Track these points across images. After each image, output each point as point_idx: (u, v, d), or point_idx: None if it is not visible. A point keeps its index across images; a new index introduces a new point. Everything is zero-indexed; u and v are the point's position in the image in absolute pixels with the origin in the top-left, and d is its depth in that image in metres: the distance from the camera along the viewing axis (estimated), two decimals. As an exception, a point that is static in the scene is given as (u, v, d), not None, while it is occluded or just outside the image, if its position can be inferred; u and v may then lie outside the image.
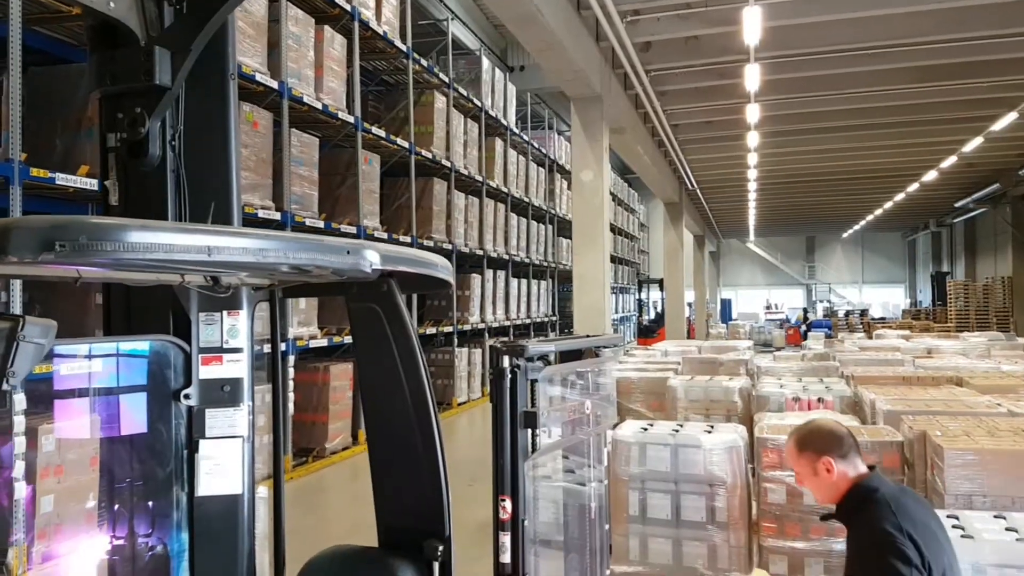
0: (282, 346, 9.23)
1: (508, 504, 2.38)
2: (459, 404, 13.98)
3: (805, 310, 36.49)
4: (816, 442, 2.46)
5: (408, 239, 12.51)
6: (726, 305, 41.50)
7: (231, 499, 2.08)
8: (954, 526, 4.17)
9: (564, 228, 20.71)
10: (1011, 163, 19.50)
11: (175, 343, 2.02)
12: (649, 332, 25.51)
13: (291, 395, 9.25)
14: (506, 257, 17.26)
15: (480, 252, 15.66)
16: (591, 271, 10.44)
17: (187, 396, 2.05)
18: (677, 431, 6.18)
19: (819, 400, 8.39)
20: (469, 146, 15.12)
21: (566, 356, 2.86)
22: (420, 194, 13.03)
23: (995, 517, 4.32)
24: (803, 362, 13.08)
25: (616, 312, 28.64)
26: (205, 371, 2.05)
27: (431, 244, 13.29)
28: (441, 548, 1.96)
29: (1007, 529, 4.09)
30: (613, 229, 26.48)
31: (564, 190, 21.67)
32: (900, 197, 25.07)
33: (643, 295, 27.59)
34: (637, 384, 11.14)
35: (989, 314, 25.75)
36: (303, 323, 9.65)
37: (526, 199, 18.80)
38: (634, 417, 7.99)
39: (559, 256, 21.56)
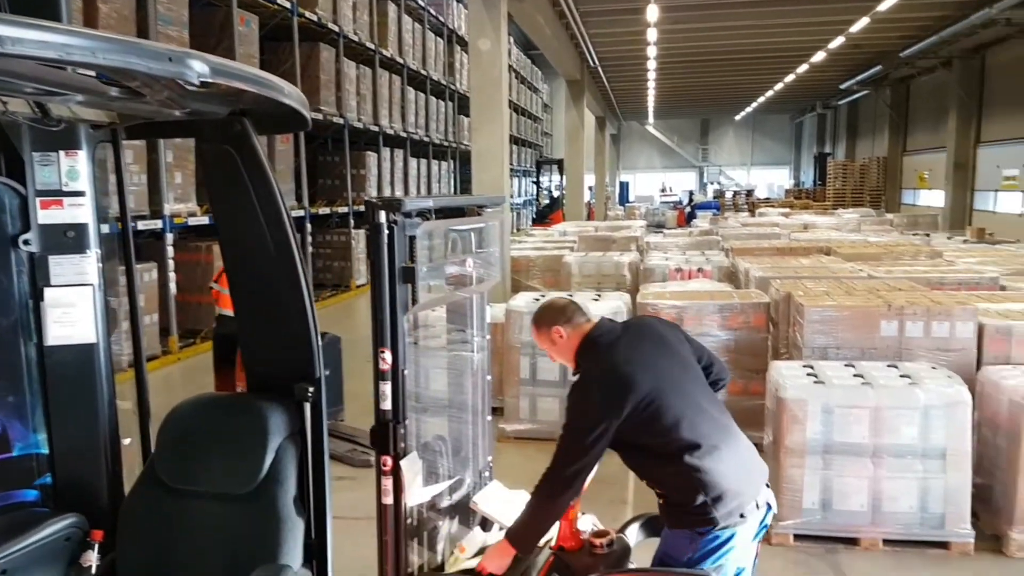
0: (158, 223, 8.80)
1: (387, 355, 2.40)
2: (357, 286, 13.84)
3: (691, 193, 37.69)
4: (544, 318, 2.69)
5: (296, 112, 11.86)
6: (624, 188, 42.30)
7: (84, 349, 2.00)
8: (808, 374, 4.61)
9: (466, 105, 20.15)
10: (894, 45, 20.23)
11: (8, 184, 1.85)
12: (542, 217, 24.31)
13: (172, 275, 8.88)
14: (403, 135, 16.71)
15: (375, 128, 15.08)
16: (490, 148, 10.26)
17: (26, 242, 1.91)
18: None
19: (699, 270, 8.85)
20: (359, 9, 14.10)
21: (448, 214, 2.85)
22: (305, 62, 12.24)
23: (845, 366, 4.78)
24: (689, 238, 13.68)
25: (519, 195, 28.64)
26: (45, 215, 1.90)
27: (320, 117, 12.66)
28: (311, 390, 1.98)
29: (855, 375, 4.54)
30: (516, 109, 26.03)
31: (464, 64, 20.85)
32: (790, 78, 25.70)
33: (543, 179, 27.19)
34: (535, 261, 11.39)
35: (864, 192, 27.47)
36: (180, 199, 9.14)
37: (423, 72, 18.02)
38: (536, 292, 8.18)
39: (460, 135, 21.07)
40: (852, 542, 4.30)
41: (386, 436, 2.39)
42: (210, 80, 1.39)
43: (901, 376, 4.45)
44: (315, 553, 2.04)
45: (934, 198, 23.54)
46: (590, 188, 31.75)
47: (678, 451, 2.42)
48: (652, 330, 2.69)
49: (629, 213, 28.53)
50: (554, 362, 2.87)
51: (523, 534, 2.46)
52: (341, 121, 13.45)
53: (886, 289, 6.00)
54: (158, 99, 1.66)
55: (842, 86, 27.13)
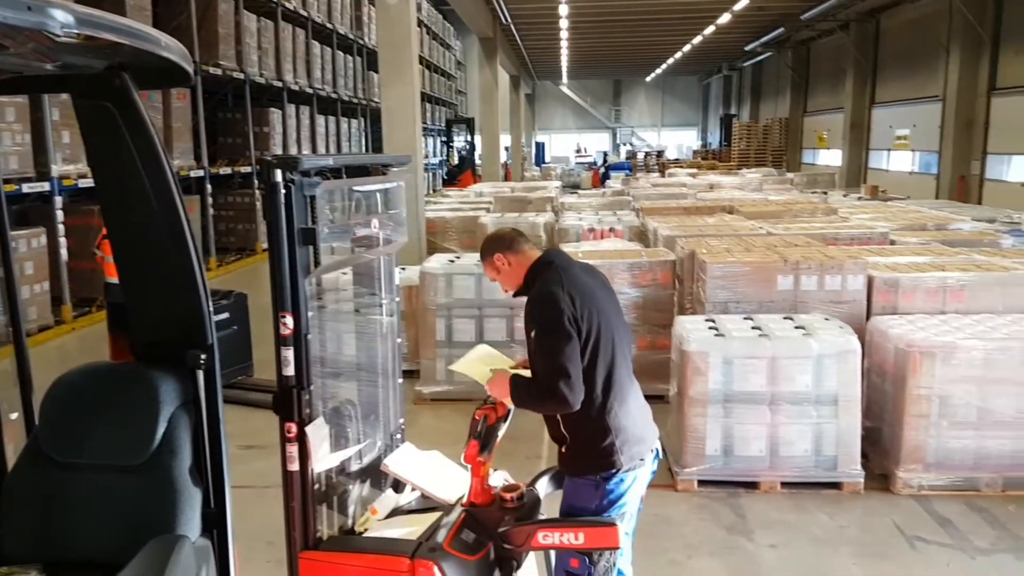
0: (45, 186, 8.22)
1: (289, 320, 2.33)
2: (264, 250, 13.31)
3: (605, 154, 38.12)
4: (488, 248, 2.76)
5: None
6: (540, 148, 42.38)
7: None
8: (710, 328, 4.78)
9: (375, 61, 19.56)
10: (795, 8, 20.83)
11: None
12: (452, 177, 23.57)
13: (63, 240, 8.34)
14: (309, 91, 16.10)
15: (279, 84, 14.47)
16: (401, 106, 10.01)
17: None
18: (481, 261, 6.42)
19: (610, 230, 9.02)
20: (259, -44, 13.45)
21: (351, 174, 2.76)
22: (202, 14, 11.57)
23: (744, 319, 4.99)
24: (603, 198, 13.89)
25: (435, 155, 28.17)
26: None
27: (219, 72, 12.04)
28: (204, 357, 1.90)
29: (753, 328, 4.75)
30: (429, 65, 25.46)
31: (373, 18, 20.23)
32: (698, 40, 26.18)
33: (456, 138, 26.61)
34: (451, 223, 11.32)
35: (767, 153, 28.48)
36: (68, 159, 8.54)
37: (329, 25, 17.32)
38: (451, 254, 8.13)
39: (371, 92, 20.45)
40: (752, 486, 4.53)
41: (290, 402, 2.34)
42: (75, 31, 1.28)
43: (796, 327, 4.68)
44: (215, 522, 1.99)
45: (832, 157, 24.65)
46: (506, 148, 31.66)
47: (602, 391, 2.53)
48: (598, 273, 2.81)
49: (545, 174, 28.63)
50: (505, 294, 2.93)
51: (520, 392, 2.52)
52: (242, 76, 12.83)
53: (783, 245, 6.26)
54: (23, 51, 1.52)
55: (747, 48, 27.84)
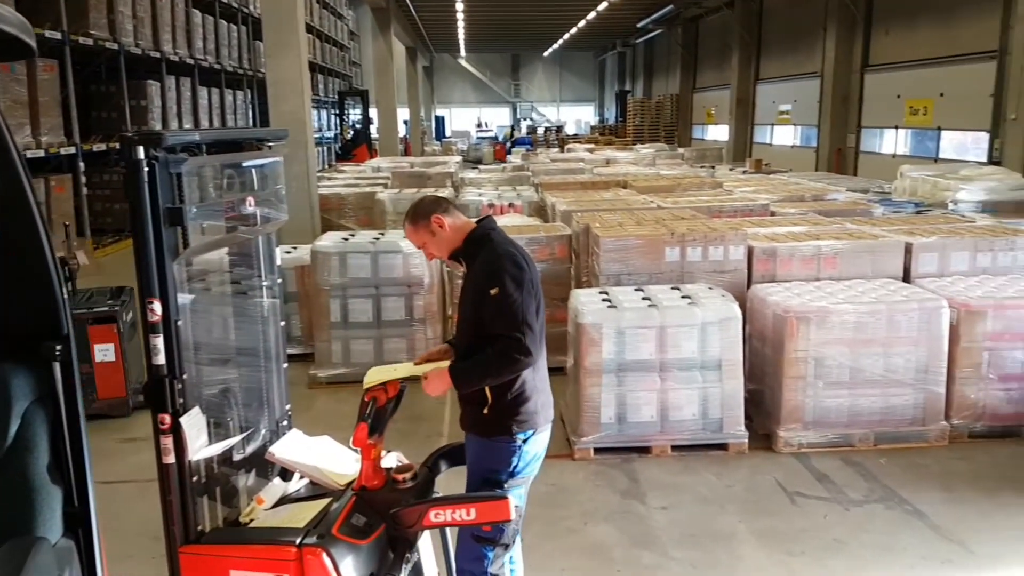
0: None
1: (157, 306, 2.20)
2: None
3: (512, 128, 38.17)
4: (421, 211, 2.73)
5: (58, 35, 10.37)
6: (440, 123, 41.93)
7: None
8: (604, 300, 4.89)
9: (262, 30, 18.66)
10: (684, -13, 21.44)
11: None
12: (346, 152, 22.64)
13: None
14: (190, 61, 15.21)
15: (156, 55, 13.59)
16: (288, 77, 9.57)
17: None
18: (378, 239, 6.28)
19: (510, 205, 9.05)
20: (130, -81, 12.52)
21: (223, 149, 2.62)
22: (69, -23, 10.68)
23: (635, 290, 5.12)
24: (503, 174, 13.91)
25: (329, 128, 27.27)
26: None
27: (89, 42, 11.18)
28: (60, 348, 1.76)
29: (643, 299, 4.88)
30: (320, 35, 24.53)
31: (257, -14, 19.27)
32: (592, 16, 26.48)
33: (352, 111, 25.72)
34: (346, 199, 11.03)
35: (659, 128, 29.28)
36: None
37: (211, -8, 16.44)
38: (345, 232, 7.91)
39: (257, 63, 19.55)
40: (645, 450, 4.70)
41: (161, 392, 2.23)
42: None
43: (683, 297, 4.85)
44: (78, 522, 1.86)
45: (720, 132, 25.61)
46: (405, 122, 31.12)
47: (536, 353, 2.59)
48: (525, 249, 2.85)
49: (446, 148, 28.37)
50: (430, 260, 2.88)
51: (467, 375, 2.57)
52: (115, 46, 11.97)
53: (672, 219, 6.46)
54: None
55: (639, 25, 28.40)
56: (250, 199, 2.60)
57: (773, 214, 7.52)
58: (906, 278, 5.39)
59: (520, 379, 2.59)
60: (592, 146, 22.82)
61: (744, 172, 14.31)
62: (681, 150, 20.42)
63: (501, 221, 7.49)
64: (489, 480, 2.60)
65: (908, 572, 3.46)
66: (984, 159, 12.10)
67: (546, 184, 10.43)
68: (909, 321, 4.68)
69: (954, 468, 4.49)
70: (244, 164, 2.62)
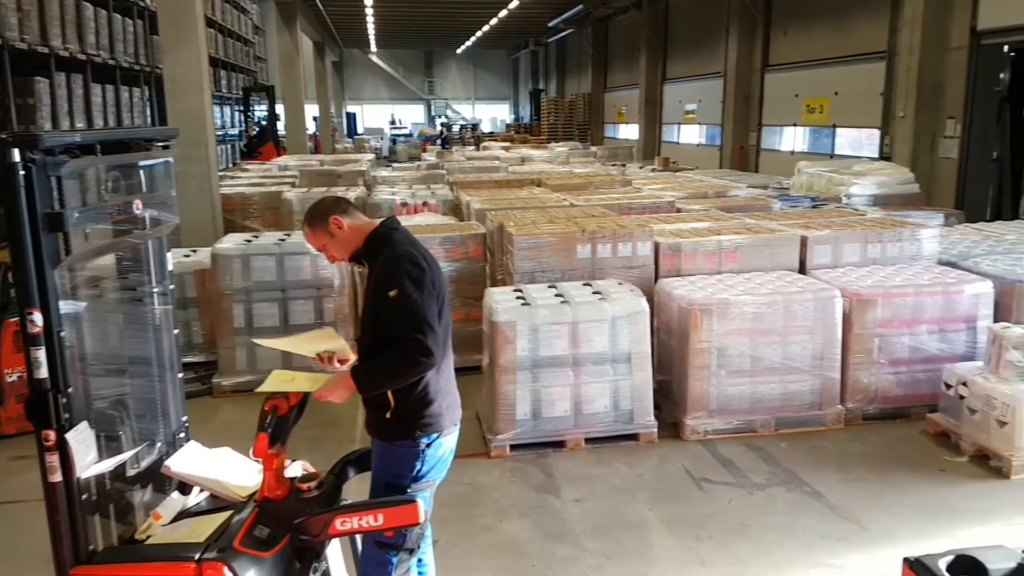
0: None
1: (37, 317, 2.07)
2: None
3: (448, 125, 37.53)
4: (319, 213, 2.68)
5: (-72, 25, 9.59)
6: (352, 119, 41.14)
7: None
8: (518, 297, 4.92)
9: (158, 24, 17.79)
10: (593, -13, 21.76)
11: None
12: (251, 149, 21.53)
13: None
14: (82, 57, 14.33)
15: (44, 50, 12.74)
16: (186, 72, 9.19)
17: None
18: (284, 240, 6.11)
19: (424, 204, 8.98)
20: (9, -98, 11.67)
21: (109, 149, 2.49)
22: (-62, -36, 9.88)
23: (549, 287, 5.18)
24: (417, 172, 13.78)
25: (233, 126, 26.30)
26: None
27: (-34, 34, 10.39)
28: None
29: (556, 295, 4.94)
30: (222, 30, 23.61)
31: (154, -22, 18.37)
32: (503, 14, 26.57)
33: (257, 108, 24.76)
34: (251, 199, 10.67)
35: (573, 127, 29.69)
36: None
37: (103, -16, 15.54)
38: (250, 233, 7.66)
39: (156, 59, 18.64)
40: (560, 445, 4.76)
41: (45, 408, 2.11)
42: None
43: (594, 293, 4.94)
44: None
45: (631, 131, 26.18)
46: (314, 119, 30.39)
47: (440, 355, 2.55)
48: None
49: (358, 146, 27.88)
50: (332, 263, 2.78)
51: (370, 377, 2.51)
52: (-2, 40, 11.16)
53: (583, 216, 6.56)
54: None
55: (550, 24, 28.69)
56: (138, 201, 2.48)
57: (679, 211, 7.74)
58: (802, 270, 5.66)
59: (423, 381, 2.55)
60: (507, 144, 22.92)
61: (653, 170, 14.67)
62: (594, 148, 20.76)
63: (415, 220, 7.50)
64: (392, 485, 2.56)
65: (807, 551, 3.64)
66: (876, 155, 12.83)
67: (461, 183, 10.41)
68: (805, 311, 4.92)
69: (849, 450, 4.74)
70: (131, 165, 2.50)
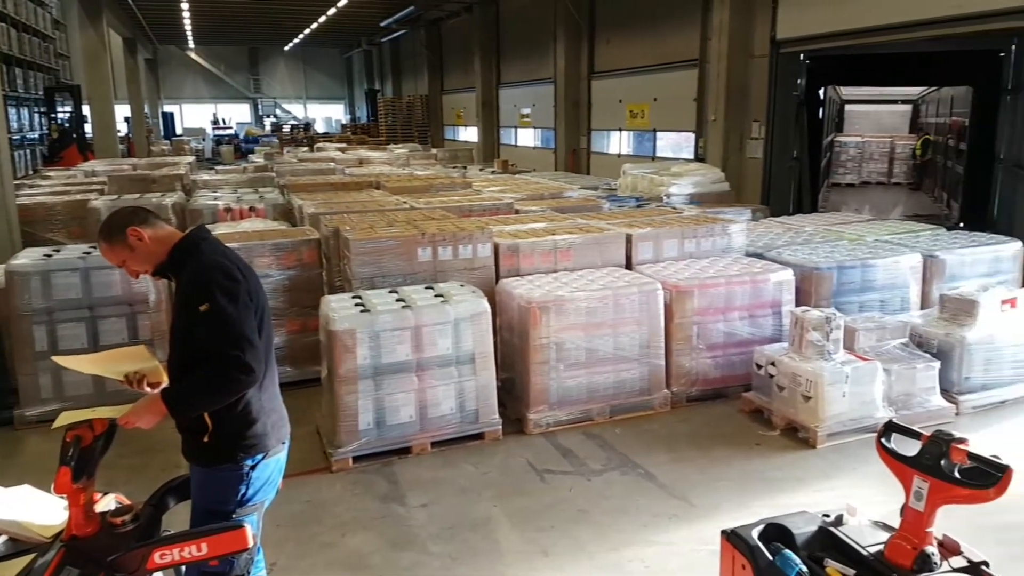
0: None
1: None
2: None
3: (309, 123, 35.43)
4: (115, 226, 2.50)
5: None
6: (169, 119, 38.41)
7: None
8: (356, 304, 4.80)
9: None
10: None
11: None
12: (53, 154, 19.74)
13: None
14: None
15: None
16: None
17: None
18: (89, 253, 5.56)
19: (251, 209, 8.55)
20: None
21: None
22: None
23: (389, 292, 5.10)
24: (243, 175, 13.10)
25: (33, 129, 23.65)
26: None
27: None
28: None
29: (397, 300, 4.88)
30: (16, 24, 21.16)
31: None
32: (332, 12, 25.86)
33: (62, 109, 22.38)
34: (54, 208, 9.68)
35: (412, 128, 29.52)
36: None
37: None
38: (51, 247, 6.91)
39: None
40: (406, 451, 4.71)
41: None
42: None
43: (436, 296, 4.93)
44: None
45: (471, 134, 26.48)
46: (127, 120, 28.07)
47: (263, 371, 2.43)
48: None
49: (177, 147, 26.07)
50: (135, 278, 2.62)
51: (183, 400, 2.34)
52: None
53: (423, 219, 6.54)
54: None
55: (382, 24, 28.33)
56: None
57: (517, 212, 7.93)
58: (629, 265, 5.98)
59: (244, 400, 2.41)
60: (344, 145, 22.39)
61: (493, 172, 14.92)
62: (435, 151, 20.78)
63: (241, 226, 7.11)
64: (215, 512, 2.40)
65: (642, 531, 3.85)
66: (692, 156, 13.82)
67: (293, 185, 10.03)
68: (632, 304, 5.20)
69: (677, 430, 5.08)
70: None
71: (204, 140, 31.91)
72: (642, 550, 3.67)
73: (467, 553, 3.66)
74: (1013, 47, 7.98)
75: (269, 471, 2.52)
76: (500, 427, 4.95)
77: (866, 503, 2.70)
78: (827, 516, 2.48)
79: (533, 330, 4.99)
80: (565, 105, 18.52)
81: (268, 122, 39.30)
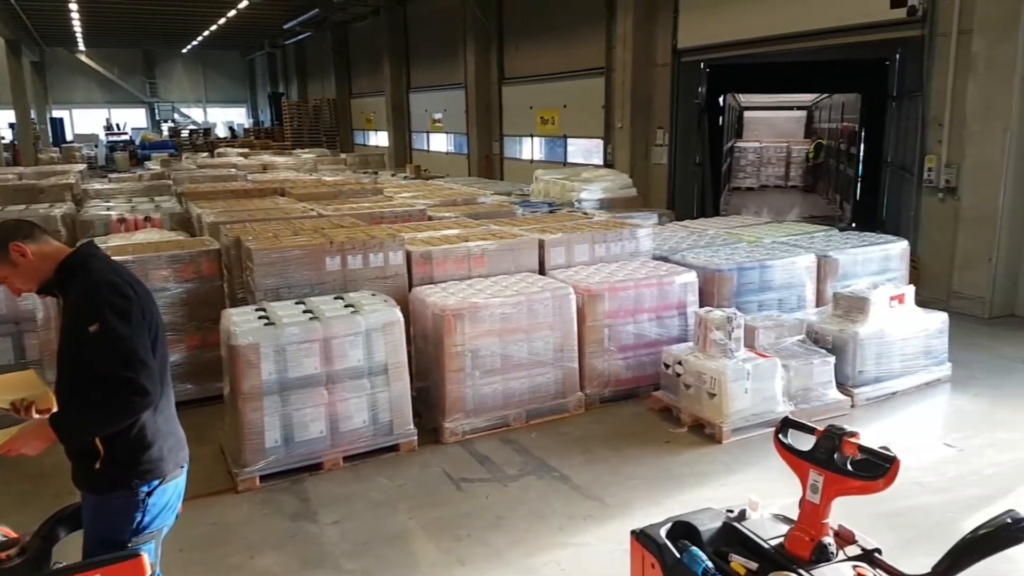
0: None
1: None
2: None
3: (211, 127, 33.79)
4: None
5: None
6: (58, 125, 36.20)
7: None
8: (260, 317, 4.64)
9: None
10: (329, -9, 21.26)
11: None
12: None
13: None
14: None
15: None
16: None
17: None
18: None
19: (146, 219, 8.16)
20: None
21: None
22: None
23: (296, 303, 4.95)
24: (139, 183, 12.48)
25: None
26: None
27: None
28: None
29: (304, 311, 4.74)
30: None
31: None
32: (232, 14, 24.99)
33: None
34: (-73, 221, 8.94)
35: (320, 132, 28.88)
36: None
37: None
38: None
39: None
40: (317, 467, 4.58)
41: None
42: None
43: (346, 306, 4.83)
44: None
45: (381, 139, 26.12)
46: (11, 126, 26.29)
47: (159, 392, 2.32)
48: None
49: (68, 155, 24.60)
50: (17, 296, 2.47)
51: (73, 425, 2.20)
52: None
53: (331, 227, 6.40)
54: None
55: (286, 26, 27.61)
56: None
57: (430, 218, 7.87)
58: (542, 271, 6.04)
59: (138, 424, 2.29)
60: (247, 150, 21.67)
61: (405, 178, 14.77)
62: (344, 155, 20.39)
63: (135, 238, 6.77)
64: (109, 542, 2.27)
65: (558, 533, 3.88)
66: (601, 162, 14.11)
67: (191, 193, 9.62)
68: (545, 308, 5.25)
69: (590, 431, 5.15)
70: None
71: (97, 147, 30.21)
72: (558, 553, 3.70)
73: (382, 568, 3.59)
74: (897, 56, 8.53)
75: (167, 497, 2.40)
76: (415, 438, 4.89)
77: (769, 496, 2.82)
78: (731, 511, 2.56)
79: (448, 338, 4.96)
80: (476, 110, 18.55)
81: (166, 127, 37.60)
